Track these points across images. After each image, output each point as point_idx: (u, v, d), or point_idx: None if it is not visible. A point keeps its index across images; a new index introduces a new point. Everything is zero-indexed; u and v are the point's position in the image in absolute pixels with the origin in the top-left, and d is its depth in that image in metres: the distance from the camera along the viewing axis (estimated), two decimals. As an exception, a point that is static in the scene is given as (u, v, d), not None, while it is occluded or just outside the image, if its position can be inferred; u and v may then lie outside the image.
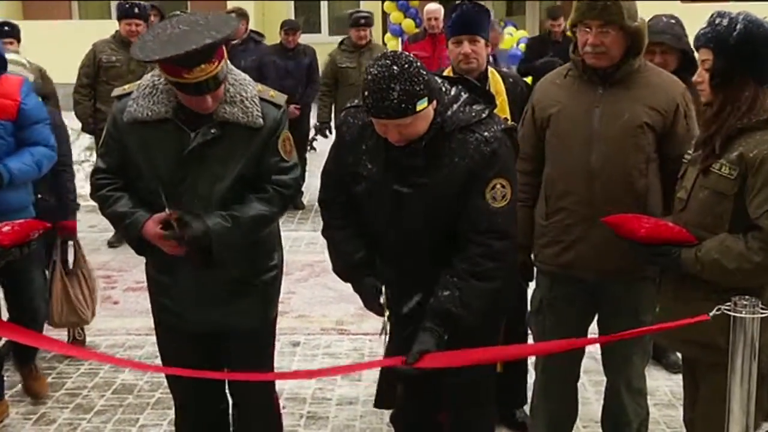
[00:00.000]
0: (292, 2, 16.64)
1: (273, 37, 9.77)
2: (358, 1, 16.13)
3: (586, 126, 3.47)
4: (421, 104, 2.86)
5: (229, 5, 14.21)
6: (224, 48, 3.10)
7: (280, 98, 3.30)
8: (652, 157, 3.47)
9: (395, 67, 2.82)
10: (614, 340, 3.50)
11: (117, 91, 3.33)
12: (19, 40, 7.03)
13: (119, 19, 7.70)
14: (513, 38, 10.02)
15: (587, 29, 3.41)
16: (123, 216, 3.24)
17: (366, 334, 5.68)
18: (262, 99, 3.22)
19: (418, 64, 2.88)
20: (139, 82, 3.27)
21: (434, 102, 2.96)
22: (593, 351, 4.35)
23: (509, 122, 3.80)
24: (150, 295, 3.52)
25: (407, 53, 2.96)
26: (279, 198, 3.28)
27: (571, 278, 3.60)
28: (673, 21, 4.53)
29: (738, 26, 2.84)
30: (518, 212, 3.46)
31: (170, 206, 3.16)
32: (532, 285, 3.95)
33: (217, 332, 3.39)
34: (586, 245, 3.50)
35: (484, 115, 3.06)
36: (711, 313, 2.73)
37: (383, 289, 3.13)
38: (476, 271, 3.04)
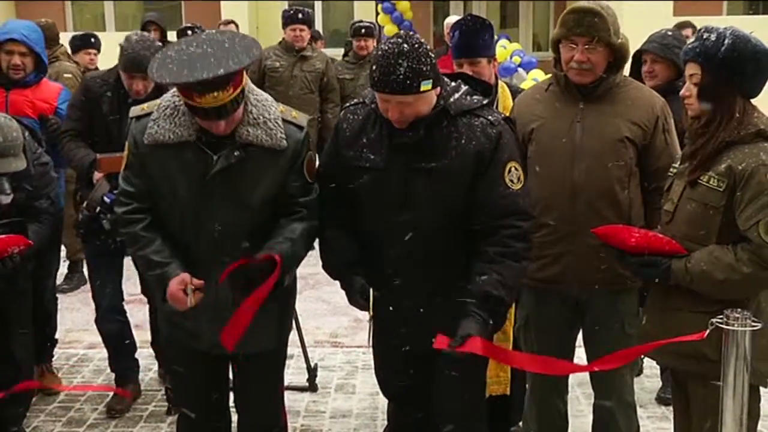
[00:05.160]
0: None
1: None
2: (353, 7, 16.15)
3: (568, 141, 3.49)
4: (426, 85, 2.95)
5: (223, 5, 14.27)
6: (244, 73, 3.03)
7: (303, 119, 3.25)
8: (633, 171, 3.50)
9: (405, 45, 2.92)
10: (602, 355, 3.48)
11: (135, 111, 3.25)
12: (99, 51, 7.96)
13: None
14: (506, 51, 10.01)
15: (573, 45, 3.43)
16: (155, 265, 3.18)
17: (359, 346, 5.69)
18: (285, 120, 3.17)
19: (428, 48, 2.98)
20: (158, 101, 3.20)
21: (438, 88, 3.05)
22: (587, 363, 4.35)
23: None
24: (161, 315, 3.47)
25: (419, 36, 3.03)
26: (311, 213, 3.25)
27: (554, 293, 3.62)
28: (670, 33, 4.59)
29: (726, 41, 2.88)
30: None
31: (190, 232, 3.17)
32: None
33: (232, 354, 3.32)
34: (569, 259, 3.52)
35: (485, 102, 3.15)
36: (707, 331, 2.75)
37: (371, 290, 3.16)
38: (509, 252, 3.07)
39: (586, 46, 3.40)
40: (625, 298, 3.57)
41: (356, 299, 3.20)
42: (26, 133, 4.20)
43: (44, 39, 5.41)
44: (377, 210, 3.18)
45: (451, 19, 8.66)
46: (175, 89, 3.12)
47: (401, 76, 2.90)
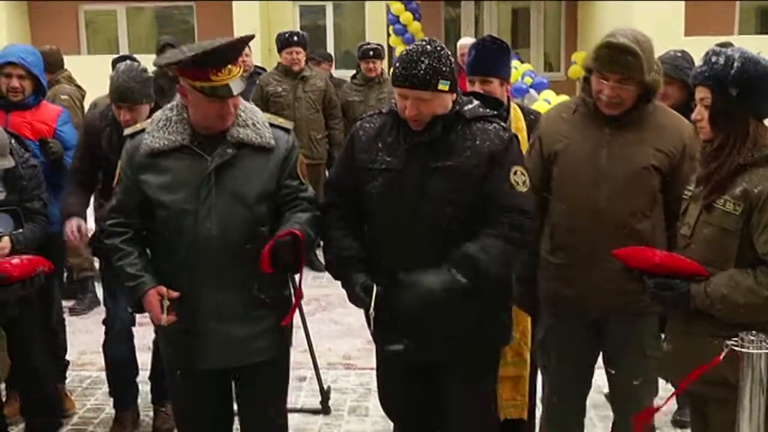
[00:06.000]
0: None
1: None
2: (365, 28, 16.23)
3: (592, 166, 3.46)
4: (443, 84, 3.10)
5: (235, 6, 14.41)
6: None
7: (288, 123, 3.47)
8: (657, 198, 3.47)
9: (428, 46, 3.12)
10: (622, 378, 3.57)
11: (129, 130, 3.43)
12: None
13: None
14: (518, 72, 10.03)
15: (604, 80, 3.37)
16: (129, 277, 3.32)
17: (373, 368, 5.58)
18: (272, 125, 3.37)
19: (449, 53, 3.17)
20: (150, 119, 3.38)
21: (455, 94, 3.19)
22: (601, 385, 4.32)
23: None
24: (162, 336, 3.52)
25: (442, 43, 3.20)
26: (313, 206, 3.38)
27: (574, 313, 3.59)
28: (679, 54, 4.59)
29: (735, 64, 2.85)
30: None
31: (189, 237, 3.23)
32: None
33: (234, 368, 3.39)
34: (589, 282, 3.49)
35: (495, 113, 3.29)
36: (723, 354, 2.73)
37: (374, 286, 3.20)
38: (504, 234, 3.14)
39: (617, 83, 3.35)
40: (645, 321, 3.52)
41: (358, 295, 3.23)
42: (12, 140, 4.34)
43: (47, 64, 5.59)
44: (391, 211, 3.23)
45: (464, 41, 8.63)
46: (165, 107, 3.36)
47: (421, 72, 3.06)
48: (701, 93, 2.95)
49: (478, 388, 3.40)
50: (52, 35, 14.26)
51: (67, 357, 5.35)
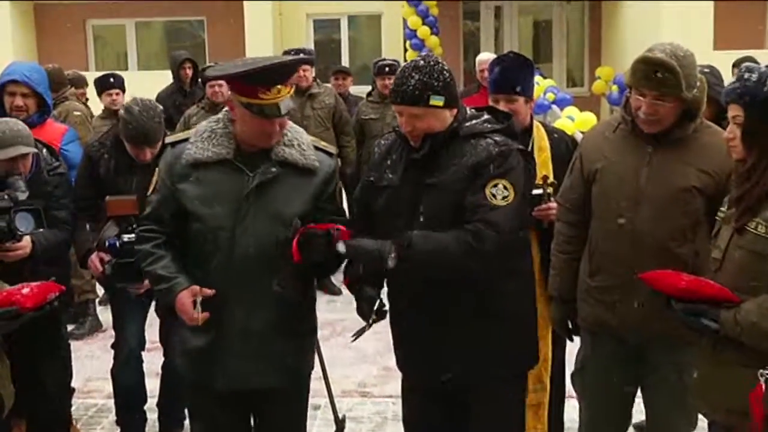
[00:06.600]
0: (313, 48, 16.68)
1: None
2: (381, 43, 16.18)
3: (632, 185, 3.40)
4: (436, 100, 3.10)
5: (247, 20, 14.34)
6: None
7: (331, 148, 3.51)
8: (700, 221, 3.35)
9: (422, 62, 3.15)
10: (661, 404, 3.54)
11: (170, 138, 3.45)
12: (123, 90, 8.07)
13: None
14: (540, 87, 9.87)
15: (641, 96, 3.32)
16: (161, 279, 3.30)
17: (389, 396, 5.52)
18: (316, 147, 3.38)
19: (446, 68, 3.16)
20: (192, 130, 3.40)
21: (455, 110, 3.18)
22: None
23: (550, 180, 3.87)
24: (180, 354, 3.47)
25: (441, 59, 3.20)
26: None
27: (613, 338, 3.53)
28: (707, 70, 4.44)
29: None
30: (563, 265, 3.64)
31: (225, 252, 3.22)
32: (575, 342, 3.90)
33: (254, 390, 3.34)
34: (628, 307, 3.42)
35: (498, 127, 3.22)
36: (763, 384, 2.68)
37: (379, 301, 3.26)
38: (459, 237, 3.04)
39: (654, 100, 3.29)
40: (683, 347, 3.39)
41: (362, 307, 3.27)
42: (44, 150, 4.38)
43: (51, 82, 5.51)
44: (391, 226, 3.20)
45: (483, 56, 8.46)
46: (210, 118, 3.36)
47: (411, 87, 3.09)
48: (733, 111, 2.88)
49: (504, 413, 3.35)
50: (59, 50, 14.30)
51: (73, 384, 5.21)
